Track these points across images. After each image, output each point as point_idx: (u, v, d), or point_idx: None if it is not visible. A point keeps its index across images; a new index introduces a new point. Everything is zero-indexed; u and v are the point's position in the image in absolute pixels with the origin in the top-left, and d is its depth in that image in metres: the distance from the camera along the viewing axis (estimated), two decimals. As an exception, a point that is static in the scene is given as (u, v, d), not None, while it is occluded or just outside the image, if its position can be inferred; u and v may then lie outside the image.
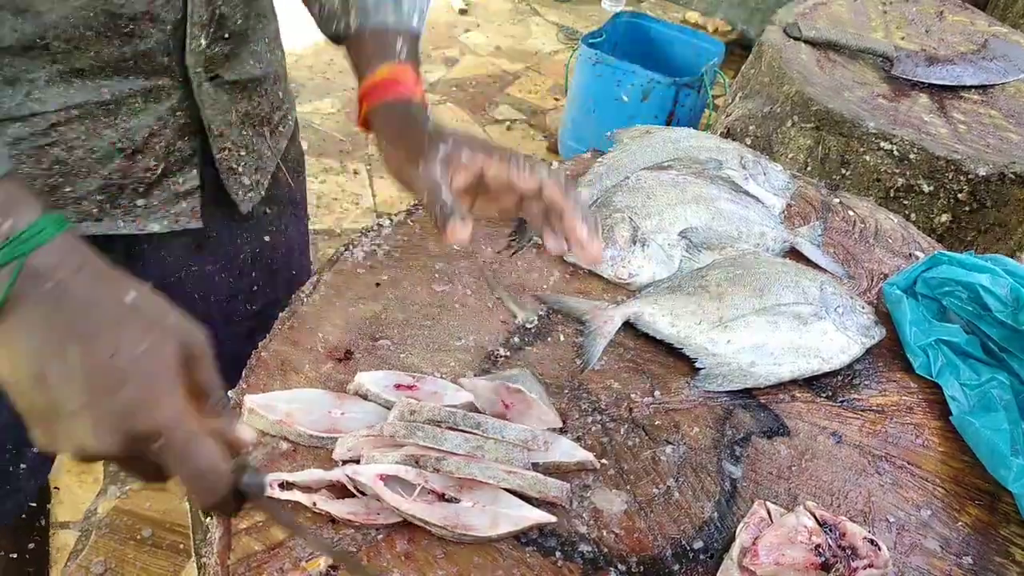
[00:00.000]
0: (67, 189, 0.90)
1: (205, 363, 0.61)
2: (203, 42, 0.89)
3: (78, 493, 2.00)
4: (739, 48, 4.39)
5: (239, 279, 1.12)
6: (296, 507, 0.74)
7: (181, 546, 1.90)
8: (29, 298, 0.55)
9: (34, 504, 1.29)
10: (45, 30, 0.78)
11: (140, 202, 0.95)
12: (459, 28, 4.45)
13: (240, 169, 1.02)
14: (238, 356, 0.90)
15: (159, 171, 0.94)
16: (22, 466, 1.08)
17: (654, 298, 1.00)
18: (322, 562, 0.70)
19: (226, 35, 0.93)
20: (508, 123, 3.74)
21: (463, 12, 4.63)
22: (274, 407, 0.81)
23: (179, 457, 0.57)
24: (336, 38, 0.94)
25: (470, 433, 0.77)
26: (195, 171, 0.97)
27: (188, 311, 1.15)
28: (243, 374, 0.87)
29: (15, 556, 1.32)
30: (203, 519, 0.73)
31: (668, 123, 3.03)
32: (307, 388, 0.86)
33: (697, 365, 0.95)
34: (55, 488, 1.45)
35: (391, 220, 1.10)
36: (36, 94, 0.82)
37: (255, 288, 1.14)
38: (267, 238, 1.14)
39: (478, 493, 0.74)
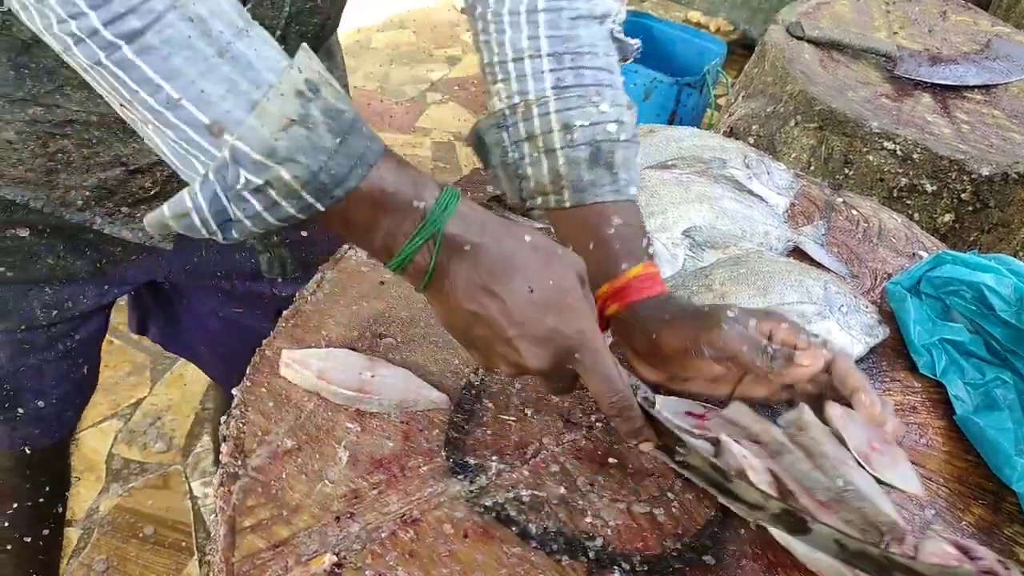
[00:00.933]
0: (62, 176, 0.92)
1: (587, 286, 0.73)
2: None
3: (80, 491, 2.00)
4: (741, 47, 4.38)
5: (260, 258, 1.15)
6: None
7: (183, 544, 1.90)
8: (452, 261, 0.68)
9: (40, 471, 1.31)
10: None
11: (125, 210, 0.97)
12: (461, 27, 4.44)
13: None
14: (262, 336, 0.92)
15: (152, 192, 0.96)
16: (19, 410, 1.14)
17: None
18: (326, 559, 0.70)
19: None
20: (510, 122, 3.74)
21: (464, 11, 4.62)
22: (309, 363, 0.85)
23: (593, 364, 0.71)
24: (527, 209, 0.93)
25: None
26: None
27: (213, 291, 1.15)
28: (247, 371, 0.87)
29: (29, 540, 1.34)
30: (627, 442, 0.79)
31: (670, 122, 3.03)
32: (339, 347, 0.90)
33: None
34: (76, 477, 1.46)
35: (395, 218, 1.10)
36: (67, 90, 0.85)
37: (281, 268, 1.17)
38: (304, 232, 1.14)
39: None
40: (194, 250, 1.11)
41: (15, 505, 1.29)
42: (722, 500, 0.76)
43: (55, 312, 1.08)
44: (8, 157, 0.90)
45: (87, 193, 0.93)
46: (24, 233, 1.00)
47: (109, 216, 0.97)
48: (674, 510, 0.80)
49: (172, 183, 0.95)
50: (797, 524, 0.70)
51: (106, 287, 1.11)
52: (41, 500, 1.32)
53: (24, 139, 0.88)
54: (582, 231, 0.88)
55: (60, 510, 1.40)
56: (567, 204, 0.88)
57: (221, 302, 1.23)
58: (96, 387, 1.28)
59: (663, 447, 0.77)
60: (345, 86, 1.17)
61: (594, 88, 0.88)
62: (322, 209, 0.63)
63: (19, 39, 0.81)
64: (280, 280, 1.17)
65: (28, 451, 1.21)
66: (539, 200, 0.90)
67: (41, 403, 1.15)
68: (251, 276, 1.17)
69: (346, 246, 1.05)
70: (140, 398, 2.24)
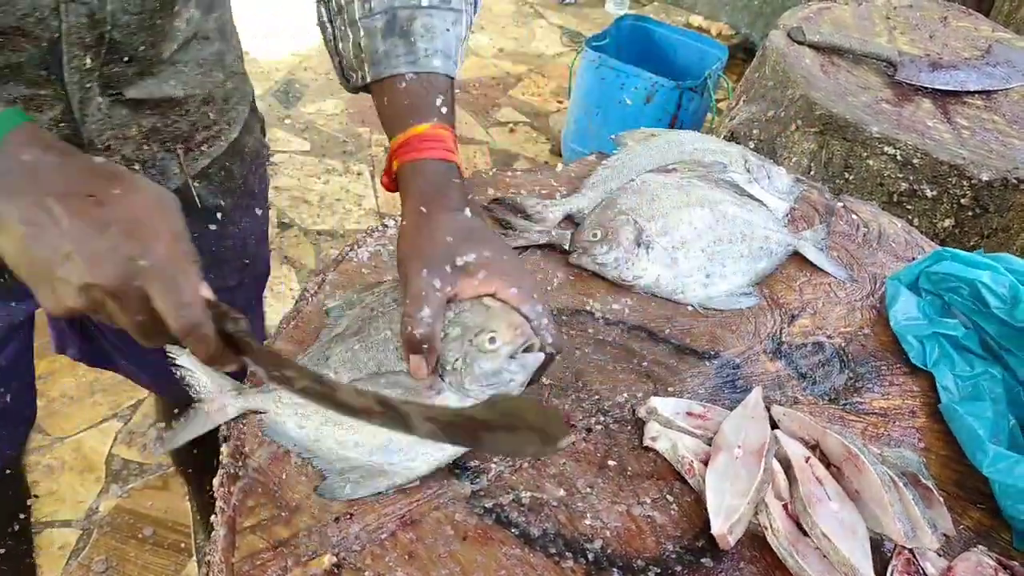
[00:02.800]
0: None
1: (176, 214, 0.67)
2: (88, 61, 0.86)
3: (80, 491, 2.00)
4: (742, 52, 4.40)
5: None
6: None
7: (182, 545, 1.90)
8: (12, 174, 0.63)
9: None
10: None
11: None
12: (463, 30, 4.45)
13: None
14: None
15: None
16: None
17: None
18: (326, 560, 0.71)
19: (126, 58, 0.89)
20: (511, 125, 3.75)
21: (467, 14, 4.63)
22: None
23: (162, 275, 0.63)
24: (356, 90, 0.91)
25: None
26: None
27: None
28: (248, 373, 0.87)
29: None
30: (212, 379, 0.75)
31: (671, 126, 3.03)
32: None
33: None
34: (35, 496, 1.44)
35: (396, 221, 1.10)
36: None
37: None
38: (212, 226, 1.11)
39: None
40: None
41: None
42: (336, 412, 0.69)
43: None
44: None
45: None
46: None
47: None
48: (673, 512, 0.80)
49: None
50: (401, 420, 0.67)
51: (13, 303, 1.03)
52: None
53: None
54: (387, 109, 0.84)
55: (18, 527, 1.34)
56: (368, 79, 0.85)
57: None
58: (34, 418, 1.20)
59: (279, 377, 0.69)
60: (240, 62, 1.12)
61: None
62: None
63: None
64: None
65: None
66: (351, 77, 0.88)
67: None
68: None
69: (347, 247, 1.05)
70: (140, 399, 2.24)
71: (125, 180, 0.66)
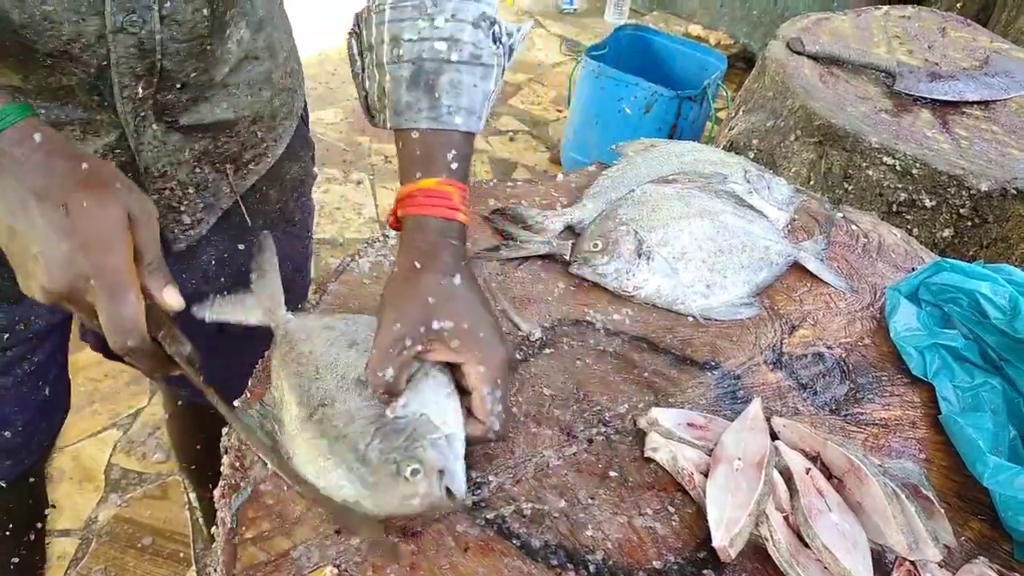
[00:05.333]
0: None
1: (146, 228, 0.70)
2: (140, 90, 0.86)
3: (78, 501, 2.00)
4: (741, 62, 4.41)
5: (203, 283, 1.11)
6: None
7: (181, 555, 1.90)
8: (1, 168, 0.66)
9: (12, 503, 1.26)
10: None
11: None
12: (462, 39, 4.46)
13: (182, 208, 1.01)
14: (215, 354, 0.88)
15: None
16: None
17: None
18: (327, 572, 0.71)
19: (179, 85, 0.90)
20: (511, 134, 3.76)
21: None
22: None
23: (104, 297, 0.66)
24: (378, 126, 0.90)
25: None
26: None
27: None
28: (249, 383, 0.88)
29: None
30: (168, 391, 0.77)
31: (671, 135, 3.04)
32: None
33: None
34: (52, 506, 1.44)
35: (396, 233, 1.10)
36: None
37: (225, 294, 1.13)
38: (241, 246, 1.11)
39: None
40: None
41: None
42: (274, 468, 0.75)
43: (7, 336, 1.03)
44: None
45: None
46: None
47: None
48: (674, 524, 0.80)
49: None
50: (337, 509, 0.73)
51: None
52: (7, 533, 1.27)
53: None
54: (402, 158, 0.84)
55: (33, 537, 1.35)
56: (388, 126, 0.85)
57: None
58: (69, 408, 1.23)
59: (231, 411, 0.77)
60: (298, 71, 1.13)
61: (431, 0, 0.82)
62: None
63: None
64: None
65: (3, 485, 1.15)
66: (376, 116, 0.87)
67: (8, 433, 1.10)
68: (195, 300, 1.13)
69: (347, 258, 1.05)
70: (139, 408, 2.24)
71: (101, 191, 0.68)
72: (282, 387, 0.82)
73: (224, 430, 0.83)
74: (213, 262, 1.12)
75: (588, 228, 1.12)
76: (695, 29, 4.68)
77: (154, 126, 0.91)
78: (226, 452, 0.81)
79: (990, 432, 0.92)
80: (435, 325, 0.76)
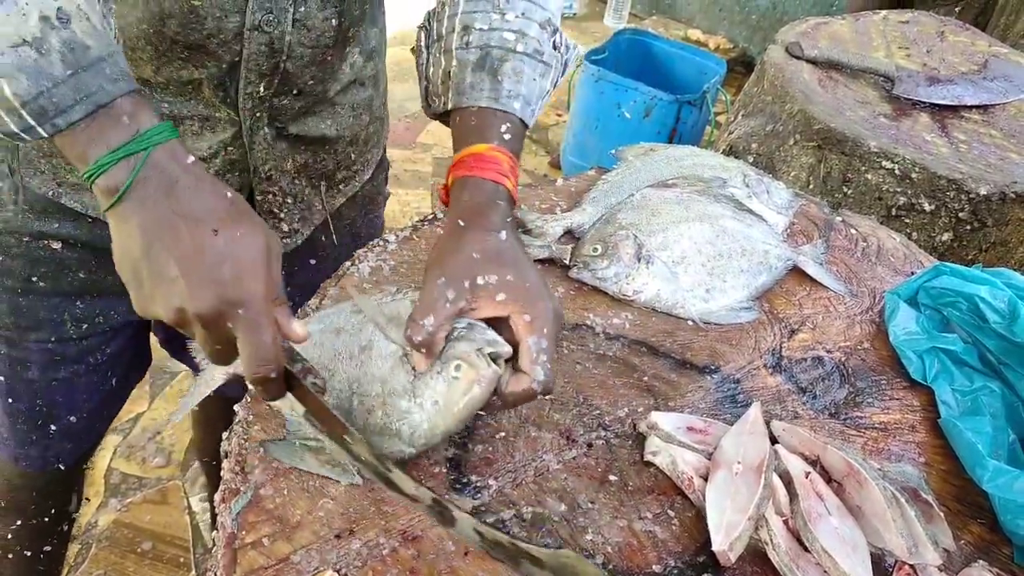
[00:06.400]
0: None
1: (278, 262, 0.70)
2: (261, 89, 0.92)
3: (79, 506, 1.99)
4: (740, 66, 4.42)
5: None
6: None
7: (181, 560, 1.90)
8: (150, 182, 0.66)
9: (61, 488, 1.32)
10: (119, 31, 0.81)
11: None
12: (462, 44, 4.47)
13: (281, 215, 1.05)
14: None
15: None
16: (52, 427, 1.15)
17: None
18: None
19: (295, 91, 0.95)
20: (510, 139, 3.76)
21: None
22: None
23: (251, 326, 0.66)
24: (436, 115, 0.93)
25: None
26: None
27: None
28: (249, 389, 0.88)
29: (29, 555, 1.35)
30: (262, 400, 0.76)
31: (670, 140, 3.04)
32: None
33: None
34: (86, 499, 1.46)
35: (396, 236, 1.10)
36: None
37: (292, 304, 1.15)
38: (312, 260, 1.16)
39: None
40: None
41: (19, 522, 1.29)
42: (388, 492, 0.75)
43: (86, 326, 1.09)
44: (62, 163, 0.94)
45: None
46: (57, 246, 1.02)
47: None
48: (674, 528, 0.80)
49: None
50: (446, 516, 0.73)
51: None
52: (47, 519, 1.32)
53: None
54: (458, 134, 0.87)
55: (66, 528, 1.40)
56: (448, 106, 0.88)
57: None
58: (127, 399, 1.29)
59: (331, 433, 0.75)
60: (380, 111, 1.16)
61: None
62: (44, 135, 0.65)
63: None
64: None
65: (62, 468, 1.22)
66: (435, 103, 0.91)
67: (73, 418, 1.16)
68: None
69: (348, 263, 1.05)
70: (139, 413, 2.24)
71: (246, 221, 0.68)
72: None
73: (224, 434, 0.83)
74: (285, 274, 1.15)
75: (588, 232, 1.13)
76: (694, 33, 4.69)
77: (265, 129, 0.96)
78: (226, 456, 0.81)
79: (989, 436, 0.92)
80: (480, 280, 0.77)
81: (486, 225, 0.80)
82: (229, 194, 0.69)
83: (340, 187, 1.13)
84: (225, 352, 0.69)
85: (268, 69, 0.90)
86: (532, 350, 0.76)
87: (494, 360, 0.75)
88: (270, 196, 1.03)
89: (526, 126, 0.89)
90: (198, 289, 0.65)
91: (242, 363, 0.68)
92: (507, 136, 0.85)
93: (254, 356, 0.67)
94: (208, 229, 0.66)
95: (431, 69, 0.91)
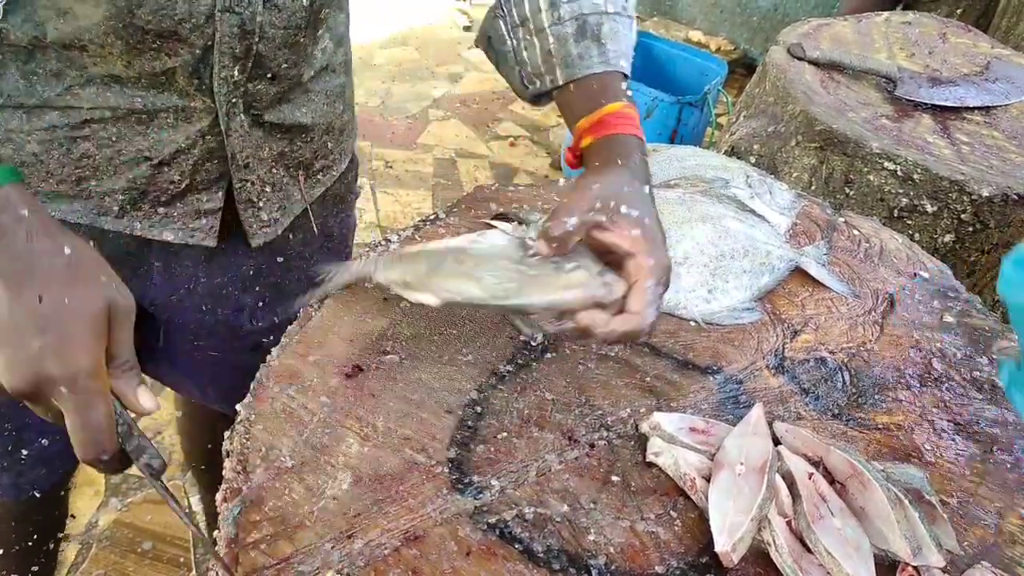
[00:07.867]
0: (92, 183, 0.93)
1: (125, 326, 0.65)
2: (235, 73, 0.91)
3: (79, 506, 1.99)
4: (742, 67, 4.42)
5: (244, 293, 1.13)
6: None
7: (181, 559, 1.90)
8: None
9: (40, 515, 1.29)
10: (81, 32, 0.81)
11: (161, 210, 0.98)
12: (463, 44, 4.47)
13: (260, 204, 1.04)
14: (243, 369, 0.91)
15: (183, 186, 0.96)
16: (23, 451, 1.10)
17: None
18: (329, 577, 0.70)
19: (270, 75, 0.94)
20: (511, 139, 3.76)
21: (467, 29, 4.66)
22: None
23: (76, 408, 0.62)
24: (539, 97, 0.95)
25: None
26: (220, 193, 0.99)
27: (196, 322, 1.14)
28: (251, 387, 0.88)
29: None
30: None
31: (671, 141, 3.04)
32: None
33: None
34: (71, 516, 1.43)
35: (399, 236, 1.10)
36: (76, 90, 0.86)
37: (261, 304, 1.15)
38: (280, 259, 1.14)
39: None
40: (183, 281, 1.07)
41: None
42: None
43: None
44: (38, 171, 0.91)
45: (120, 197, 0.94)
46: None
47: (146, 219, 0.98)
48: (677, 528, 0.80)
49: (199, 174, 0.96)
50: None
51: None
52: (29, 544, 1.28)
53: (47, 148, 0.89)
54: (578, 103, 0.89)
55: (52, 546, 1.36)
56: (560, 82, 0.90)
57: (197, 335, 1.16)
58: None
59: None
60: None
61: None
62: None
63: (21, 46, 0.83)
64: (258, 312, 1.16)
65: (37, 495, 1.16)
66: (537, 84, 0.92)
67: (45, 440, 1.11)
68: (233, 307, 1.14)
69: (348, 263, 1.05)
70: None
71: (82, 281, 0.63)
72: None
73: (227, 433, 0.83)
74: (254, 274, 1.14)
75: (590, 233, 1.12)
76: (695, 35, 4.69)
77: (241, 116, 0.95)
78: (228, 456, 0.81)
79: None
80: (623, 209, 0.80)
81: (637, 173, 0.84)
82: (68, 249, 0.62)
83: (319, 176, 1.12)
84: (57, 420, 0.64)
85: (241, 52, 0.89)
86: (648, 293, 0.79)
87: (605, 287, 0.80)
88: (248, 184, 1.01)
89: (629, 79, 0.92)
90: (14, 364, 0.59)
91: (72, 440, 0.63)
92: (629, 93, 0.88)
93: (79, 437, 0.62)
94: (32, 294, 0.59)
95: (524, 52, 0.92)
